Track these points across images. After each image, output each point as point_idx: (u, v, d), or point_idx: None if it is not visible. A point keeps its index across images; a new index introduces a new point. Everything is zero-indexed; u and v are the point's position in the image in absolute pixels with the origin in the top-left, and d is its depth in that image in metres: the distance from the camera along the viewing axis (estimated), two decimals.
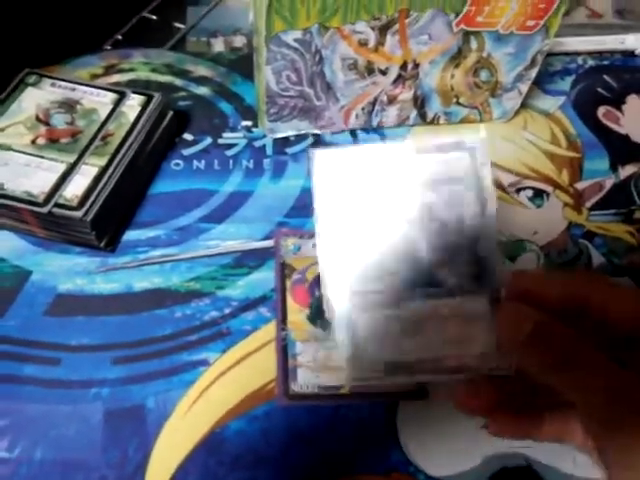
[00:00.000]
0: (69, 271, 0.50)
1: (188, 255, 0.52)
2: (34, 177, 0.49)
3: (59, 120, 0.53)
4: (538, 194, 0.58)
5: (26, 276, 0.50)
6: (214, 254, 0.52)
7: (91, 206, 0.48)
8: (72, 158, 0.51)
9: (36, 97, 0.55)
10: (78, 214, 0.47)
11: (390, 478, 0.42)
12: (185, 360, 0.46)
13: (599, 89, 0.67)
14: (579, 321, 0.29)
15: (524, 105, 0.62)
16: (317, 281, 0.50)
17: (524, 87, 0.59)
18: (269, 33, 0.49)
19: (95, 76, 0.64)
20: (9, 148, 0.51)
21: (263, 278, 0.51)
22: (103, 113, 0.54)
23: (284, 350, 0.46)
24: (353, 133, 0.61)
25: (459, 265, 0.31)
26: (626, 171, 0.60)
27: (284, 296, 0.49)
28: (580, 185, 0.59)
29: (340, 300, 0.31)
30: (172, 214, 0.54)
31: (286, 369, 0.46)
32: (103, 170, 0.50)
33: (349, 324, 0.31)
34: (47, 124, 0.53)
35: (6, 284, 0.49)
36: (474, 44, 0.54)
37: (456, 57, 0.55)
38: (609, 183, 0.59)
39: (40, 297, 0.49)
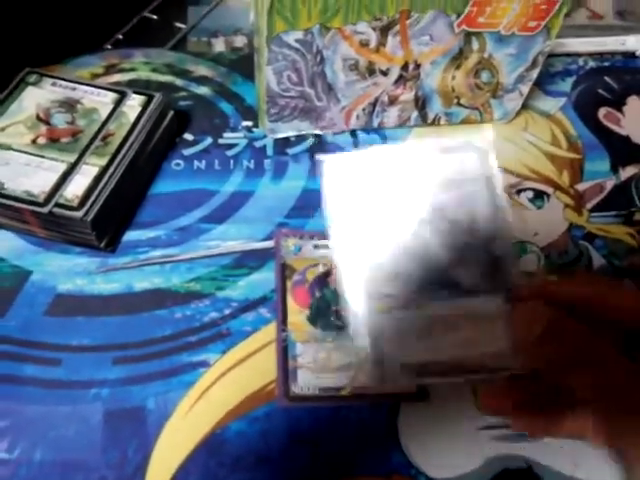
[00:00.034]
0: (69, 271, 0.50)
1: (188, 256, 0.52)
2: (34, 177, 0.49)
3: (60, 120, 0.53)
4: (539, 195, 0.58)
5: (26, 276, 0.49)
6: (214, 254, 0.52)
7: (91, 206, 0.48)
8: (72, 158, 0.50)
9: (37, 96, 0.54)
10: (78, 214, 0.47)
11: None
12: (185, 361, 0.46)
13: (600, 90, 0.67)
14: (593, 318, 0.29)
15: (525, 106, 0.62)
16: (317, 282, 0.50)
17: (525, 88, 0.59)
18: (270, 33, 0.49)
19: (96, 76, 0.64)
20: (9, 147, 0.51)
21: (263, 279, 0.51)
22: (104, 113, 0.54)
23: (284, 351, 0.46)
24: (354, 134, 0.61)
25: (474, 265, 0.31)
26: (627, 172, 0.60)
27: (284, 297, 0.49)
28: (581, 186, 0.59)
29: (357, 303, 0.31)
30: (172, 214, 0.54)
31: (286, 370, 0.45)
32: (104, 170, 0.50)
33: (367, 327, 0.31)
34: (48, 123, 0.53)
35: (6, 284, 0.49)
36: (475, 45, 0.54)
37: (457, 58, 0.55)
38: (610, 184, 0.59)
39: (40, 297, 0.48)
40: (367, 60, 0.53)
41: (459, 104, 0.60)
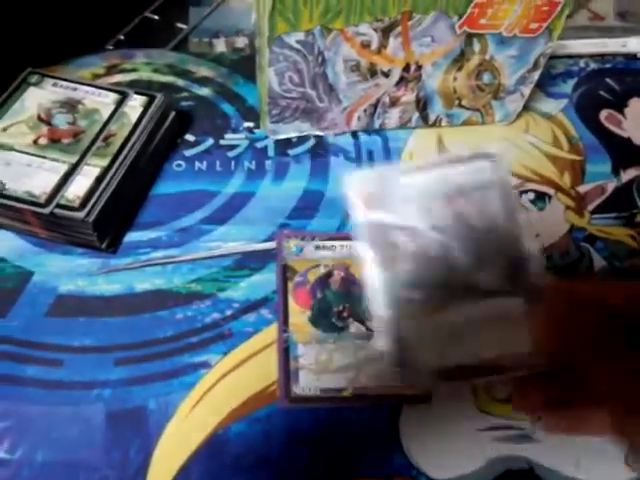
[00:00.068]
0: (71, 272, 0.50)
1: (190, 256, 0.52)
2: (36, 177, 0.49)
3: (61, 120, 0.53)
4: (540, 197, 0.58)
5: (28, 277, 0.49)
6: (215, 256, 0.52)
7: (93, 207, 0.48)
8: (74, 158, 0.51)
9: (38, 97, 0.54)
10: (80, 215, 0.47)
11: None
12: (186, 362, 0.46)
13: (601, 92, 0.67)
14: (610, 313, 0.30)
15: (526, 108, 0.62)
16: (319, 283, 0.50)
17: (526, 90, 0.59)
18: (272, 34, 0.49)
19: (97, 76, 0.64)
20: (11, 148, 0.51)
21: (265, 280, 0.51)
22: (105, 113, 0.54)
23: (286, 352, 0.46)
24: (355, 135, 0.61)
25: (494, 268, 0.32)
26: (628, 174, 0.60)
27: (286, 298, 0.49)
28: (582, 188, 0.59)
29: (382, 309, 0.32)
30: (174, 215, 0.54)
31: (288, 371, 0.45)
32: (105, 171, 0.50)
33: (391, 332, 0.32)
34: (49, 124, 0.53)
35: (8, 285, 0.49)
36: (477, 46, 0.54)
37: (459, 59, 0.55)
38: (611, 186, 0.59)
39: (42, 298, 0.48)
40: (368, 61, 0.53)
41: (460, 105, 0.60)
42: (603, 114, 0.65)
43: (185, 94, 0.64)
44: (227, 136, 0.61)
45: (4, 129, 0.52)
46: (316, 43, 0.51)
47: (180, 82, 0.65)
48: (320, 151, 0.60)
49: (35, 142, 0.51)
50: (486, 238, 0.32)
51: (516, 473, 0.43)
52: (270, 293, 0.50)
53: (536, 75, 0.58)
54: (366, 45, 0.52)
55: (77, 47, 0.66)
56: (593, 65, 0.70)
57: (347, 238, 0.53)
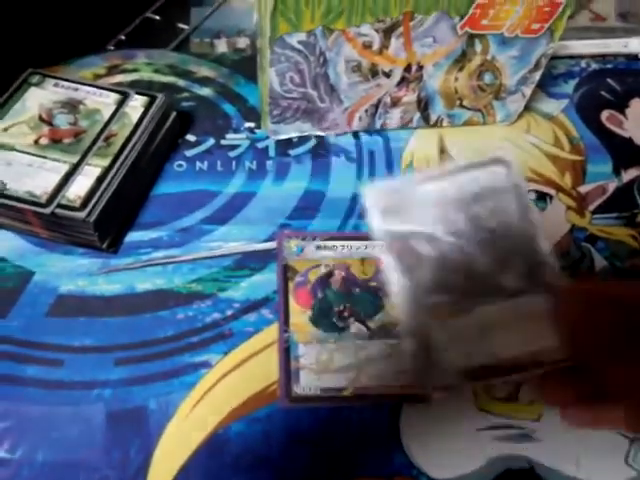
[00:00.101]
0: (71, 272, 0.50)
1: (190, 256, 0.52)
2: (37, 177, 0.49)
3: (62, 120, 0.53)
4: (541, 197, 0.57)
5: (28, 277, 0.49)
6: (216, 255, 0.52)
7: (94, 207, 0.48)
8: (75, 158, 0.51)
9: (39, 97, 0.55)
10: (81, 215, 0.47)
11: None
12: (187, 362, 0.46)
13: (602, 92, 0.67)
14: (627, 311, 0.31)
15: (527, 108, 0.62)
16: (319, 283, 0.50)
17: (528, 90, 0.59)
18: (273, 35, 0.49)
19: (98, 76, 0.64)
20: (12, 148, 0.51)
21: (265, 280, 0.51)
22: (106, 113, 0.54)
23: (286, 352, 0.46)
24: (356, 135, 0.61)
25: (513, 268, 0.33)
26: (629, 175, 0.60)
27: (286, 298, 0.49)
28: (583, 188, 0.59)
29: (408, 313, 0.33)
30: (175, 215, 0.54)
31: (288, 371, 0.45)
32: (106, 171, 0.50)
33: (417, 335, 0.33)
34: (50, 124, 0.53)
35: (9, 284, 0.49)
36: (478, 47, 0.54)
37: (460, 60, 0.55)
38: (612, 187, 0.59)
39: (42, 298, 0.48)
40: (370, 62, 0.53)
41: (462, 106, 0.60)
42: (604, 114, 0.65)
43: (186, 94, 0.64)
44: (228, 136, 0.61)
45: (5, 129, 0.52)
46: (318, 44, 0.51)
47: (181, 82, 0.65)
48: (321, 151, 0.60)
49: (36, 142, 0.51)
50: (503, 240, 0.33)
51: (516, 472, 0.43)
52: (271, 293, 0.50)
53: (537, 75, 0.58)
54: (368, 45, 0.52)
55: (78, 47, 0.66)
56: (594, 65, 0.70)
57: (348, 238, 0.53)
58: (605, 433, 0.44)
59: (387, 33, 0.51)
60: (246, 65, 0.66)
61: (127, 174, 0.51)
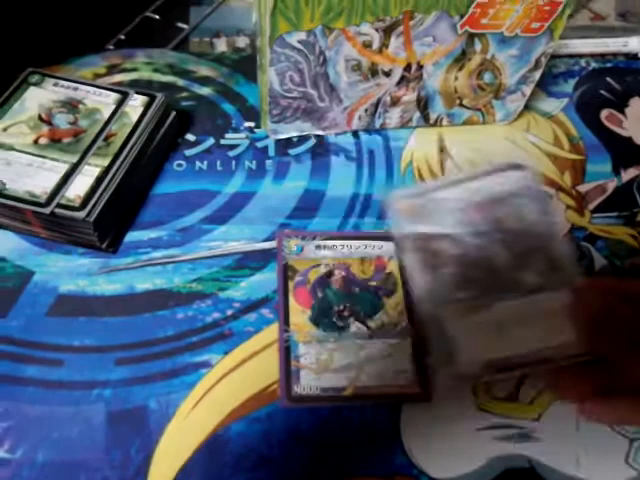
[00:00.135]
0: (71, 272, 0.50)
1: (190, 256, 0.52)
2: (36, 177, 0.49)
3: (62, 120, 0.53)
4: None
5: (29, 277, 0.49)
6: (216, 255, 0.52)
7: (93, 207, 0.48)
8: (74, 158, 0.51)
9: (39, 97, 0.54)
10: (80, 214, 0.47)
11: None
12: (187, 362, 0.46)
13: (602, 91, 0.67)
14: None
15: (527, 107, 0.62)
16: (319, 282, 0.50)
17: (527, 89, 0.59)
18: (273, 34, 0.49)
19: (98, 76, 0.64)
20: (11, 148, 0.51)
21: (265, 279, 0.51)
22: (106, 113, 0.54)
23: (286, 352, 0.46)
24: (356, 134, 0.61)
25: (532, 267, 0.35)
26: (629, 174, 0.60)
27: (286, 297, 0.49)
28: (583, 188, 0.59)
29: (430, 310, 0.35)
30: (174, 215, 0.54)
31: (289, 371, 0.45)
32: (106, 170, 0.50)
33: (440, 331, 0.34)
34: (50, 124, 0.53)
35: (8, 284, 0.49)
36: (478, 46, 0.54)
37: (460, 59, 0.55)
38: (612, 186, 0.59)
39: (42, 298, 0.48)
40: (370, 61, 0.53)
41: (461, 105, 0.60)
42: (604, 113, 0.65)
43: (186, 94, 0.64)
44: (228, 136, 0.61)
45: (5, 129, 0.52)
46: (317, 43, 0.51)
47: (181, 82, 0.65)
48: (321, 151, 0.60)
49: (36, 142, 0.51)
50: (522, 240, 0.35)
51: (517, 472, 0.43)
52: (271, 293, 0.50)
53: (537, 75, 0.58)
54: (367, 45, 0.52)
55: (78, 47, 0.66)
56: (594, 65, 0.70)
57: (348, 237, 0.53)
58: (605, 433, 0.44)
59: (387, 32, 0.51)
60: (246, 64, 0.66)
61: (127, 174, 0.51)
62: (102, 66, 0.65)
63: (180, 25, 0.71)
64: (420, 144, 0.61)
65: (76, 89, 0.55)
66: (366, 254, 0.52)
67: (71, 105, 0.54)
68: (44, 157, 0.50)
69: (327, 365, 0.46)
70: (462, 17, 0.51)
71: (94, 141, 0.52)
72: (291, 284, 0.50)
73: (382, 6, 0.49)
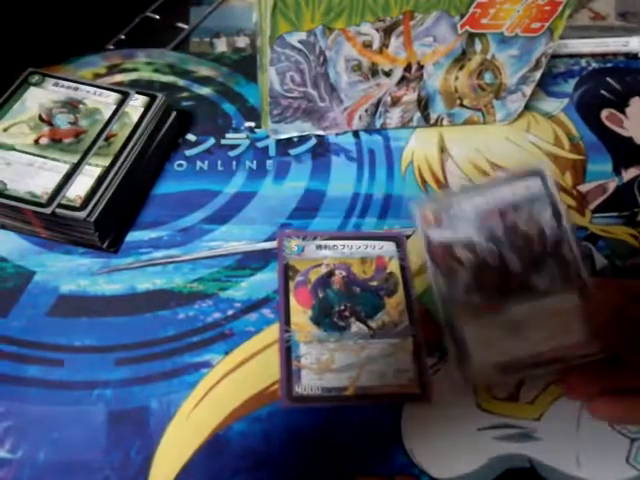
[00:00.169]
0: (72, 272, 0.50)
1: (191, 256, 0.52)
2: (37, 177, 0.49)
3: (62, 120, 0.53)
4: None
5: (29, 277, 0.49)
6: (217, 255, 0.52)
7: (94, 207, 0.48)
8: (75, 158, 0.51)
9: (39, 97, 0.54)
10: (81, 215, 0.47)
11: None
12: (188, 362, 0.46)
13: (602, 91, 0.67)
14: None
15: (527, 107, 0.62)
16: (320, 282, 0.50)
17: (528, 89, 0.59)
18: (273, 34, 0.49)
19: (98, 76, 0.64)
20: (12, 148, 0.51)
21: (266, 279, 0.51)
22: (106, 113, 0.54)
23: (287, 352, 0.46)
24: (356, 134, 0.61)
25: (547, 270, 0.36)
26: (629, 174, 0.60)
27: (287, 297, 0.49)
28: (583, 187, 0.59)
29: (448, 313, 0.36)
30: (175, 215, 0.54)
31: (289, 371, 0.45)
32: (106, 170, 0.50)
33: (456, 332, 0.36)
34: (50, 124, 0.53)
35: (9, 284, 0.49)
36: (478, 46, 0.54)
37: (460, 59, 0.55)
38: (612, 186, 0.59)
39: (43, 298, 0.48)
40: (370, 61, 0.53)
41: (462, 105, 0.60)
42: (604, 113, 0.65)
43: (186, 94, 0.64)
44: (228, 136, 0.61)
45: (5, 129, 0.52)
46: (318, 43, 0.51)
47: (181, 82, 0.65)
48: (321, 151, 0.60)
49: (36, 142, 0.51)
50: (537, 244, 0.37)
51: (517, 472, 0.43)
52: (271, 293, 0.50)
53: (537, 75, 0.58)
54: (368, 45, 0.52)
55: (78, 47, 0.66)
56: (594, 64, 0.70)
57: (348, 237, 0.53)
58: (606, 432, 0.44)
59: (387, 32, 0.51)
60: (246, 64, 0.66)
61: (127, 174, 0.51)
62: (102, 66, 0.65)
63: (180, 25, 0.71)
64: (420, 144, 0.61)
65: (76, 89, 0.55)
66: (367, 254, 0.52)
67: (71, 105, 0.54)
68: (45, 157, 0.50)
69: (328, 365, 0.46)
70: (462, 17, 0.51)
71: (95, 141, 0.52)
72: (292, 284, 0.50)
73: (382, 6, 0.49)
